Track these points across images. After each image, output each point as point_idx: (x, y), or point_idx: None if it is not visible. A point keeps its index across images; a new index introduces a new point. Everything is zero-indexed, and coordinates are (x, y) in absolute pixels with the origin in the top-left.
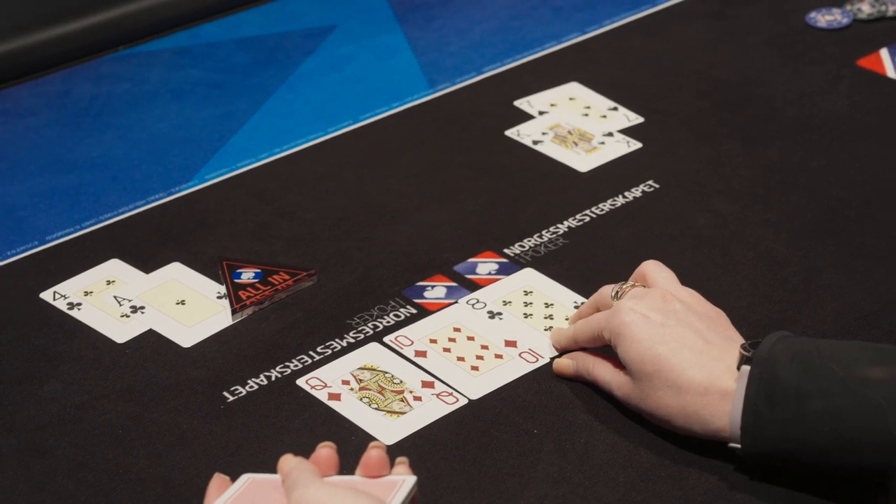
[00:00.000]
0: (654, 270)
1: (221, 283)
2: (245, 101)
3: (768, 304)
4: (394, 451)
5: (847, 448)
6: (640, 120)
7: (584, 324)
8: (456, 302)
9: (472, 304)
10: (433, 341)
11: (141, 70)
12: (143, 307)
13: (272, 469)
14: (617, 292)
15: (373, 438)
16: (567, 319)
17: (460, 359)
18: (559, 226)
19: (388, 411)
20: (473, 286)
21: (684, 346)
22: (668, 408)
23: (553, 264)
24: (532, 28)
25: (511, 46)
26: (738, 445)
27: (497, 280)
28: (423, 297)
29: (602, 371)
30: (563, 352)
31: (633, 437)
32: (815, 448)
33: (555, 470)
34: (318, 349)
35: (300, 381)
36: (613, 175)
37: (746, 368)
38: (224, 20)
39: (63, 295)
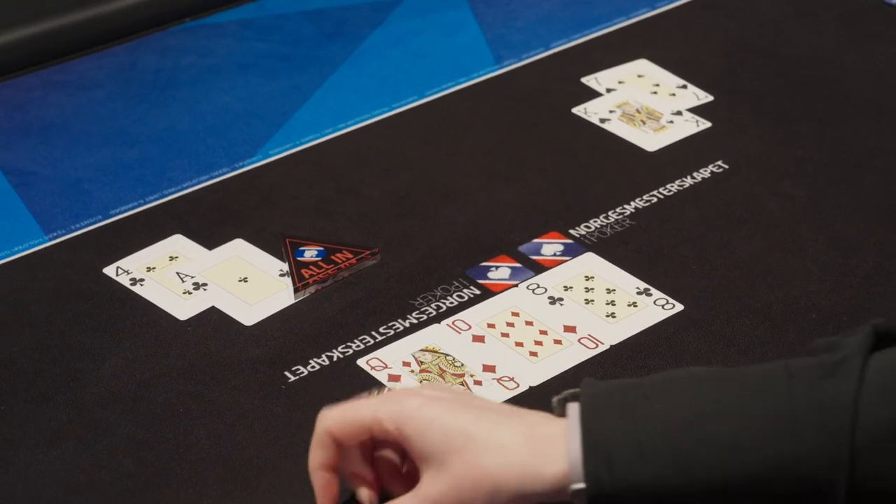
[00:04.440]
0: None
1: (284, 261)
2: (310, 75)
3: (839, 290)
4: None
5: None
6: (710, 99)
7: (343, 415)
8: (517, 285)
9: (533, 290)
10: (491, 326)
11: (206, 42)
12: (205, 284)
13: None
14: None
15: None
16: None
17: (518, 344)
18: (626, 206)
19: None
20: (538, 267)
21: (488, 410)
22: (492, 477)
23: (619, 246)
24: (601, 3)
25: (579, 22)
26: (583, 485)
27: (562, 261)
28: (487, 278)
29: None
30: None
31: None
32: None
33: None
34: (381, 329)
35: (360, 362)
36: (682, 155)
37: (574, 406)
38: None
39: (126, 270)
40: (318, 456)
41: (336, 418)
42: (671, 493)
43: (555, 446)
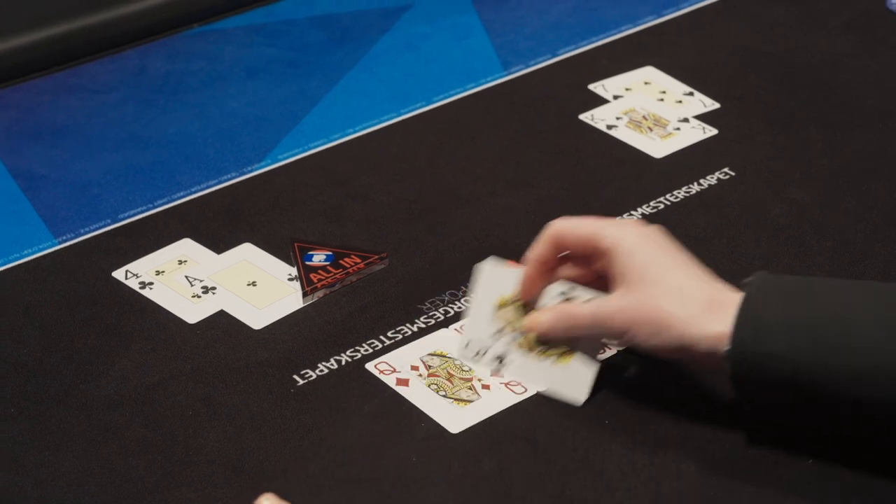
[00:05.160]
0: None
1: (293, 265)
2: (319, 80)
3: None
4: (462, 439)
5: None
6: (717, 105)
7: (571, 222)
8: None
9: None
10: None
11: (216, 47)
12: (214, 288)
13: (340, 452)
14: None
15: (440, 426)
16: None
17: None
18: (633, 213)
19: (456, 399)
20: None
21: (687, 264)
22: (664, 317)
23: None
24: (608, 10)
25: (586, 29)
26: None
27: None
28: None
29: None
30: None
31: (704, 430)
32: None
33: (625, 462)
34: (389, 333)
35: (369, 366)
36: (688, 162)
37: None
38: None
39: (135, 274)
40: (537, 248)
41: (564, 224)
42: (805, 372)
43: (726, 311)
